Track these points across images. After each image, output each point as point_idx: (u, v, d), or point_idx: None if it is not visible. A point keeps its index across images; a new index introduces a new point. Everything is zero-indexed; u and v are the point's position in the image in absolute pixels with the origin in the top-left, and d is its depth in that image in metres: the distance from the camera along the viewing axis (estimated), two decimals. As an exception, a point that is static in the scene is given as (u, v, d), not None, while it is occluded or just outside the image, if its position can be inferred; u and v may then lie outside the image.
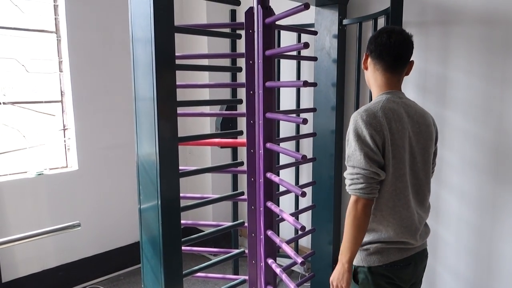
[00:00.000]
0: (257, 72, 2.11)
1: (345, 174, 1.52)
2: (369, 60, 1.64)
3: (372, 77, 1.66)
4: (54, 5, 3.18)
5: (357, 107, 2.86)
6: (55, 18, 3.20)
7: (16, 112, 3.08)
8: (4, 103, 3.00)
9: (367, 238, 1.58)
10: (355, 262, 1.59)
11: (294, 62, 3.26)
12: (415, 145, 1.57)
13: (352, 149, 1.48)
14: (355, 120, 1.49)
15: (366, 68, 1.68)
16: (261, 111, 2.11)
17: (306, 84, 1.85)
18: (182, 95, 3.60)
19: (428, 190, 1.65)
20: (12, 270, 2.98)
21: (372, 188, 1.46)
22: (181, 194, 1.86)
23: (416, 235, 1.59)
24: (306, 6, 1.78)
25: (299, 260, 1.93)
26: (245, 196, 2.29)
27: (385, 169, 1.48)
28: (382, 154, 1.47)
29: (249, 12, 2.11)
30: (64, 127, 3.32)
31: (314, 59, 2.76)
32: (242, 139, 2.32)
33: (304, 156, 1.89)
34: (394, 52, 1.57)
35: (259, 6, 2.05)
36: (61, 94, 3.28)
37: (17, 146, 3.10)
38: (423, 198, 1.63)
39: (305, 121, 1.85)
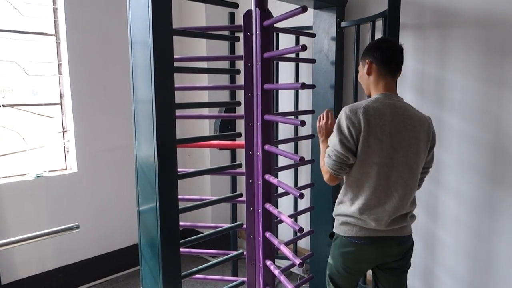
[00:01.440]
0: (256, 74, 2.12)
1: (326, 151, 1.85)
2: (373, 66, 1.85)
3: (374, 82, 1.87)
4: (54, 8, 3.19)
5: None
6: (55, 21, 3.21)
7: (16, 115, 3.09)
8: (3, 106, 3.01)
9: (340, 210, 1.88)
10: (334, 229, 1.93)
11: (293, 64, 3.27)
12: (397, 141, 1.75)
13: (333, 135, 1.80)
14: (341, 113, 1.78)
15: (370, 74, 1.87)
16: (259, 113, 2.12)
17: (304, 86, 1.86)
18: (181, 97, 3.61)
19: (410, 184, 1.81)
20: (11, 272, 2.99)
21: (341, 168, 1.79)
22: (180, 196, 1.86)
23: (380, 220, 1.77)
24: (304, 9, 1.80)
25: (298, 261, 1.94)
26: (243, 198, 2.29)
27: (357, 155, 1.75)
28: (356, 143, 1.73)
29: (247, 15, 2.12)
30: (63, 129, 3.33)
31: (312, 61, 2.78)
32: (241, 141, 2.32)
33: (302, 158, 1.91)
34: (396, 59, 1.85)
35: (257, 8, 2.06)
36: (61, 96, 3.29)
37: (16, 149, 3.10)
38: (399, 189, 1.78)
39: (303, 123, 1.86)
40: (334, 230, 1.93)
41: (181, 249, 1.89)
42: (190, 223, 2.52)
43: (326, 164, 1.83)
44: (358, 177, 1.79)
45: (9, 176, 3.04)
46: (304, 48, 1.80)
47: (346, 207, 1.85)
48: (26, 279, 3.08)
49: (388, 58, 1.83)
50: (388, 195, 1.77)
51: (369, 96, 1.92)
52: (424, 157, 1.85)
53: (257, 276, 2.28)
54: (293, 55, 3.10)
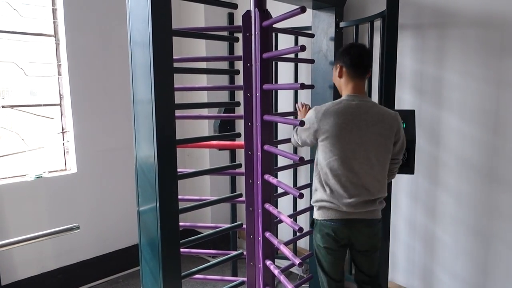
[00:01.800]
0: (255, 75, 2.12)
1: (297, 131, 2.18)
2: (343, 70, 2.09)
3: (344, 84, 2.12)
4: (53, 9, 3.19)
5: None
6: (54, 22, 3.21)
7: (15, 116, 3.09)
8: (3, 107, 3.01)
9: (316, 196, 2.10)
10: (314, 216, 2.16)
11: (292, 64, 3.28)
12: (359, 136, 2.00)
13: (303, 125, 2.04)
14: (311, 110, 2.09)
15: (341, 77, 2.12)
16: (258, 113, 2.12)
17: (303, 86, 1.86)
18: (180, 97, 3.62)
19: (374, 174, 2.04)
20: (11, 273, 2.99)
21: (298, 144, 2.23)
22: (179, 196, 1.87)
23: (349, 205, 2.01)
24: (303, 10, 1.80)
25: (297, 261, 1.94)
26: (243, 198, 2.30)
27: (321, 145, 2.04)
28: (317, 135, 2.03)
29: (247, 15, 2.12)
30: (63, 130, 3.33)
31: (311, 61, 2.78)
32: (240, 141, 2.33)
33: (301, 158, 1.92)
34: (364, 64, 2.08)
35: (256, 9, 2.07)
36: (60, 97, 3.30)
37: (16, 149, 3.11)
38: (363, 179, 2.02)
39: (302, 123, 1.87)
40: (314, 217, 2.16)
41: (181, 249, 1.89)
42: (190, 223, 2.53)
43: (292, 139, 2.27)
44: (325, 170, 2.03)
45: (9, 177, 3.04)
46: (303, 48, 1.80)
47: (321, 193, 2.07)
48: (26, 280, 3.08)
49: (356, 63, 2.05)
50: (353, 183, 2.00)
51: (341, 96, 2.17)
52: (390, 150, 2.07)
53: (257, 276, 2.28)
54: (292, 56, 3.10)
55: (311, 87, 2.51)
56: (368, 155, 2.00)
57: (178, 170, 1.84)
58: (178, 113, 1.85)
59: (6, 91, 3.08)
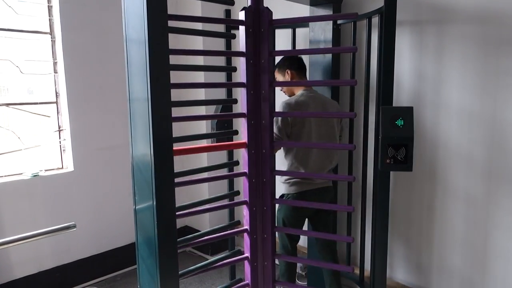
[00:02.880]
0: (261, 72, 2.09)
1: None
2: (293, 73, 2.67)
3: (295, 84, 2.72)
4: (48, 6, 3.17)
5: (351, 106, 2.87)
6: (49, 19, 3.19)
7: (11, 114, 3.07)
8: (-2, 105, 2.99)
9: (288, 175, 2.61)
10: (283, 191, 2.64)
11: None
12: (319, 120, 2.58)
13: (278, 119, 2.49)
14: (280, 105, 2.54)
15: (292, 79, 2.68)
16: (266, 111, 2.10)
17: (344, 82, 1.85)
18: (177, 94, 3.60)
19: (328, 150, 2.64)
20: (8, 272, 2.98)
21: (278, 137, 2.47)
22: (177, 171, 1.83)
23: (315, 177, 2.59)
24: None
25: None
26: (246, 198, 2.27)
27: (294, 131, 2.53)
28: (291, 125, 2.51)
29: (250, 10, 2.08)
30: (59, 128, 3.31)
31: (354, 48, 2.75)
32: (237, 139, 2.31)
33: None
34: (304, 66, 2.75)
35: (263, 4, 2.05)
36: (56, 95, 3.28)
37: (12, 148, 3.09)
38: (325, 153, 2.61)
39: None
40: (284, 192, 2.63)
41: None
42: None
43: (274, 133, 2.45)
44: (296, 151, 2.58)
45: (5, 176, 3.03)
46: (354, 49, 1.78)
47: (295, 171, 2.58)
48: (23, 279, 3.07)
49: (300, 66, 2.70)
50: (316, 159, 2.58)
51: (291, 95, 2.71)
52: (338, 129, 2.70)
53: (256, 274, 2.27)
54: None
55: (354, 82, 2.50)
56: (329, 132, 2.61)
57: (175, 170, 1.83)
58: (177, 114, 1.84)
59: (2, 89, 3.06)
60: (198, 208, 2.06)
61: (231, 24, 2.83)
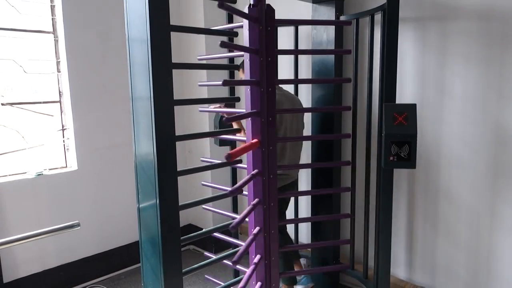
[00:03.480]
0: (266, 69, 2.09)
1: None
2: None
3: None
4: (51, 5, 3.17)
5: (354, 103, 2.86)
6: (52, 19, 3.19)
7: (15, 113, 3.08)
8: (2, 104, 3.00)
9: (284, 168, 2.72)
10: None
11: (292, 57, 3.25)
12: (292, 118, 2.74)
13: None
14: None
15: None
16: (271, 109, 2.10)
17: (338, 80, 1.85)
18: (179, 92, 3.60)
19: (301, 142, 2.92)
20: (13, 271, 2.99)
21: None
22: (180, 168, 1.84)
23: (292, 172, 2.85)
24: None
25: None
26: (249, 193, 2.26)
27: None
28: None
29: (253, 9, 2.08)
30: (63, 127, 3.32)
31: (347, 52, 2.75)
32: (242, 137, 2.30)
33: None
34: None
35: (264, 1, 2.04)
36: (59, 94, 3.29)
37: (16, 147, 3.10)
38: (296, 148, 2.82)
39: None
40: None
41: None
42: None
43: None
44: (279, 147, 2.65)
45: (10, 175, 3.04)
46: (348, 52, 1.78)
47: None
48: (27, 277, 3.08)
49: None
50: (290, 154, 2.77)
51: None
52: (303, 126, 2.91)
53: (260, 271, 2.28)
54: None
55: (347, 80, 2.50)
56: (298, 127, 2.80)
57: (178, 167, 1.83)
58: (177, 109, 1.83)
59: (6, 89, 3.07)
60: (202, 205, 2.06)
61: (243, 16, 2.82)
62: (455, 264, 2.69)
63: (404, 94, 2.77)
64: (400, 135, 2.18)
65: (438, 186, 2.71)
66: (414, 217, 2.86)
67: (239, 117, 2.32)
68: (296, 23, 3.03)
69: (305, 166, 3.09)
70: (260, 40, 2.10)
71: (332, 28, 2.82)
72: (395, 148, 2.19)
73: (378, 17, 2.61)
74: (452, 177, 2.64)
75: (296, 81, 3.22)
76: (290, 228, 3.45)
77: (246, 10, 2.08)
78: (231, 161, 1.87)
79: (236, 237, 3.35)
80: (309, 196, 3.20)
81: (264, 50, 2.10)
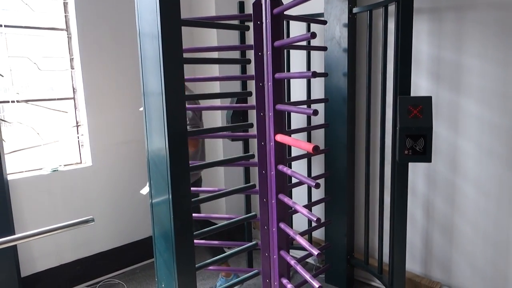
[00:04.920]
0: (266, 64, 2.09)
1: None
2: None
3: None
4: (64, 2, 3.19)
5: (368, 97, 2.82)
6: (65, 16, 3.21)
7: (30, 110, 3.12)
8: (18, 101, 3.04)
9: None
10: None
11: (304, 53, 3.22)
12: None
13: (195, 116, 2.72)
14: (192, 103, 2.71)
15: None
16: (271, 103, 2.09)
17: (315, 74, 1.82)
18: (192, 88, 3.60)
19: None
20: (30, 265, 3.04)
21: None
22: (193, 188, 1.85)
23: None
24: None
25: (316, 252, 1.92)
26: (257, 189, 2.28)
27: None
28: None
29: (257, 3, 2.08)
30: (77, 123, 3.35)
31: (323, 49, 2.73)
32: (253, 132, 2.30)
33: (316, 147, 1.87)
34: None
35: (266, -4, 2.02)
36: (73, 91, 3.31)
37: (32, 144, 3.14)
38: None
39: (315, 112, 1.82)
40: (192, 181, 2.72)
41: (196, 241, 1.89)
42: (204, 214, 2.52)
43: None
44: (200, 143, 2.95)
45: (25, 171, 3.08)
46: (313, 35, 1.75)
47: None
48: (44, 272, 3.13)
49: None
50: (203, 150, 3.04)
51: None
52: None
53: (272, 267, 2.27)
54: (304, 43, 3.05)
55: (324, 75, 2.46)
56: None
57: (191, 161, 1.83)
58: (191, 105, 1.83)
59: (21, 86, 3.10)
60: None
61: (240, 18, 2.80)
62: (473, 259, 2.64)
63: (419, 87, 2.72)
64: (415, 128, 2.14)
65: (456, 179, 2.66)
66: (432, 210, 2.81)
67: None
68: (292, 18, 2.99)
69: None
70: (256, 35, 2.09)
71: (345, 19, 2.78)
72: (410, 141, 2.16)
73: (392, 8, 2.56)
74: (470, 170, 2.59)
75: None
76: (304, 222, 3.44)
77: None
78: (319, 152, 1.84)
79: (249, 232, 3.36)
80: (324, 187, 3.17)
81: (262, 44, 2.09)
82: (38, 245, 3.04)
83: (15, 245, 2.88)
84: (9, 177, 2.92)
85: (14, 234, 2.82)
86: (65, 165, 3.26)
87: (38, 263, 3.09)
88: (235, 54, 3.30)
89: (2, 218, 2.81)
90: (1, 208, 2.80)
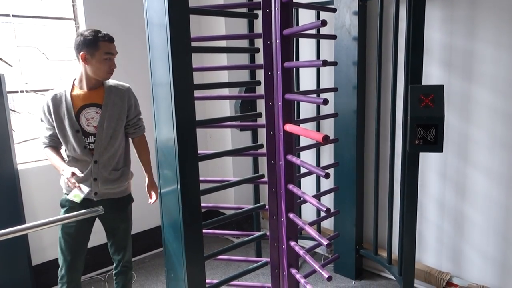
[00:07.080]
0: (275, 52, 2.06)
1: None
2: (89, 57, 2.16)
3: (95, 66, 2.21)
4: (71, -8, 3.18)
5: (379, 86, 2.78)
6: (73, 5, 3.20)
7: (39, 100, 3.12)
8: (27, 91, 3.04)
9: (129, 175, 2.64)
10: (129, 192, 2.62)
11: (314, 41, 3.19)
12: None
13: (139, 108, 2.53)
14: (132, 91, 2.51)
15: (87, 64, 2.18)
16: (279, 92, 2.07)
17: (325, 63, 1.79)
18: (200, 77, 3.57)
19: None
20: (40, 254, 3.08)
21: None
22: (202, 178, 1.85)
23: None
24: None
25: (325, 242, 1.90)
26: (265, 179, 2.27)
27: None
28: None
29: None
30: (85, 113, 3.35)
31: (333, 37, 2.69)
32: (261, 121, 2.29)
33: (326, 137, 1.84)
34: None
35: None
36: (82, 81, 3.31)
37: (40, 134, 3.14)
38: None
39: (325, 101, 1.79)
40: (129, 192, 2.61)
41: (205, 231, 1.88)
42: (212, 204, 2.52)
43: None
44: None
45: (35, 161, 3.10)
46: (324, 23, 1.72)
47: (130, 175, 2.67)
48: (55, 260, 3.15)
49: (102, 45, 2.24)
50: None
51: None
52: None
53: (281, 257, 2.27)
54: (313, 31, 3.01)
55: (333, 64, 2.43)
56: None
57: (200, 151, 1.82)
58: (198, 93, 1.82)
59: (29, 76, 3.11)
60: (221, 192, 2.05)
61: (249, 6, 2.77)
62: (484, 250, 2.62)
63: (431, 75, 2.68)
64: (426, 117, 2.11)
65: (467, 169, 2.62)
66: (443, 200, 2.79)
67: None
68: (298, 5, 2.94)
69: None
70: (265, 24, 2.06)
71: (355, 7, 2.73)
72: (421, 131, 2.12)
73: (403, -5, 2.52)
74: (482, 160, 2.55)
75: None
76: (312, 212, 3.43)
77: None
78: (328, 142, 1.81)
79: (258, 222, 3.36)
80: (333, 177, 3.16)
81: (271, 33, 2.06)
82: (48, 234, 3.07)
83: (26, 235, 2.91)
84: (19, 167, 2.94)
85: (24, 223, 2.84)
86: (74, 155, 3.27)
87: (48, 252, 3.12)
88: (244, 43, 3.27)
89: (13, 207, 2.83)
90: (12, 197, 2.83)
